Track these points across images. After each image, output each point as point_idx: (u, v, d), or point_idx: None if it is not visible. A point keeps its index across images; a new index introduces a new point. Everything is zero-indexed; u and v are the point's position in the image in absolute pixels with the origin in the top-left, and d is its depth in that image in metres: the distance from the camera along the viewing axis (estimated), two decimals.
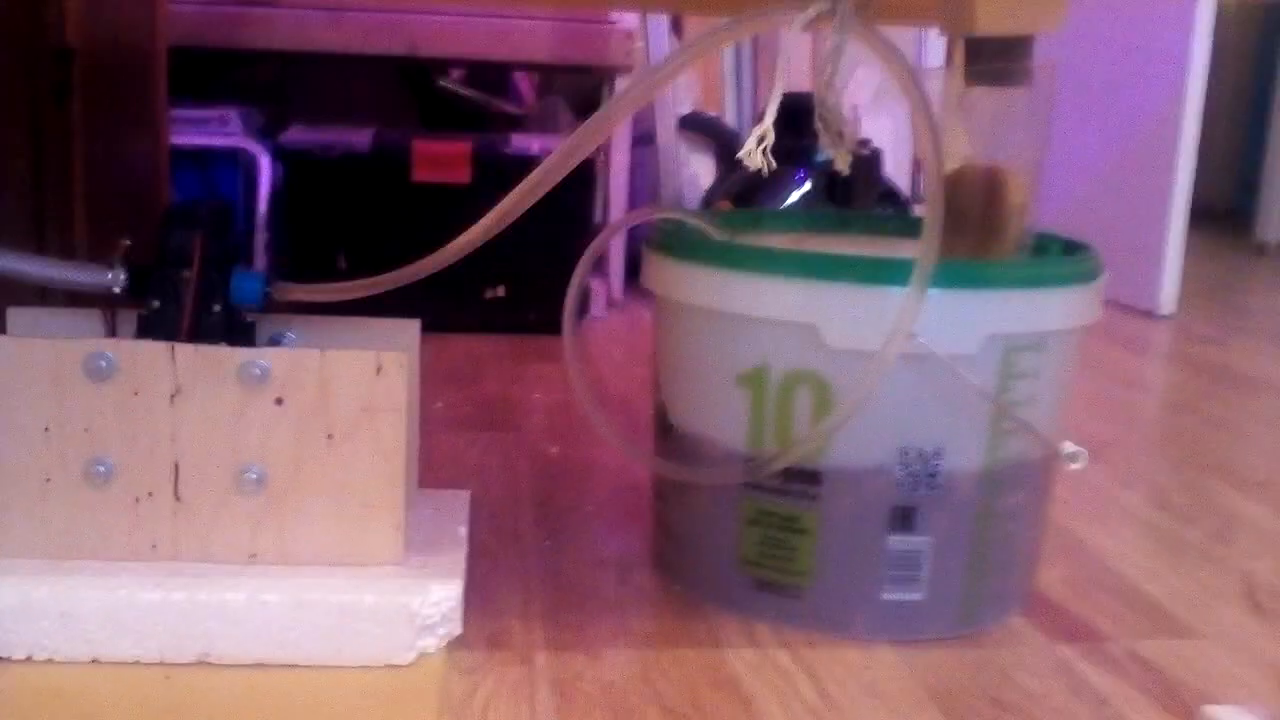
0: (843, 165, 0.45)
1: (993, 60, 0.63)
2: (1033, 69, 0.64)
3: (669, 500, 0.72)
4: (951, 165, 0.63)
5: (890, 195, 1.59)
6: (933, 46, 1.85)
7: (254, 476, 0.60)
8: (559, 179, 0.59)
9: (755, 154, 0.43)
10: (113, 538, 0.61)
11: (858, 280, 0.60)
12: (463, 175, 1.42)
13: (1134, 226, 1.82)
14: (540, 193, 0.59)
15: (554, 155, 0.55)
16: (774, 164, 0.42)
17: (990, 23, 0.61)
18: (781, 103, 0.47)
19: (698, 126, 1.86)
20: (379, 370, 0.60)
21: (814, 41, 1.50)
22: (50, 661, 0.57)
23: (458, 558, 0.64)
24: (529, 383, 1.21)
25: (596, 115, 0.55)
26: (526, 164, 1.43)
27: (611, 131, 1.04)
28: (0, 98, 1.00)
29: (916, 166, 2.00)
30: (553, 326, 1.46)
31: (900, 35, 2.11)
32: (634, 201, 1.73)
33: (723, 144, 1.84)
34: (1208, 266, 2.41)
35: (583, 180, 1.48)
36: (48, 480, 0.60)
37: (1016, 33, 0.62)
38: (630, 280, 1.69)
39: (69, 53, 1.02)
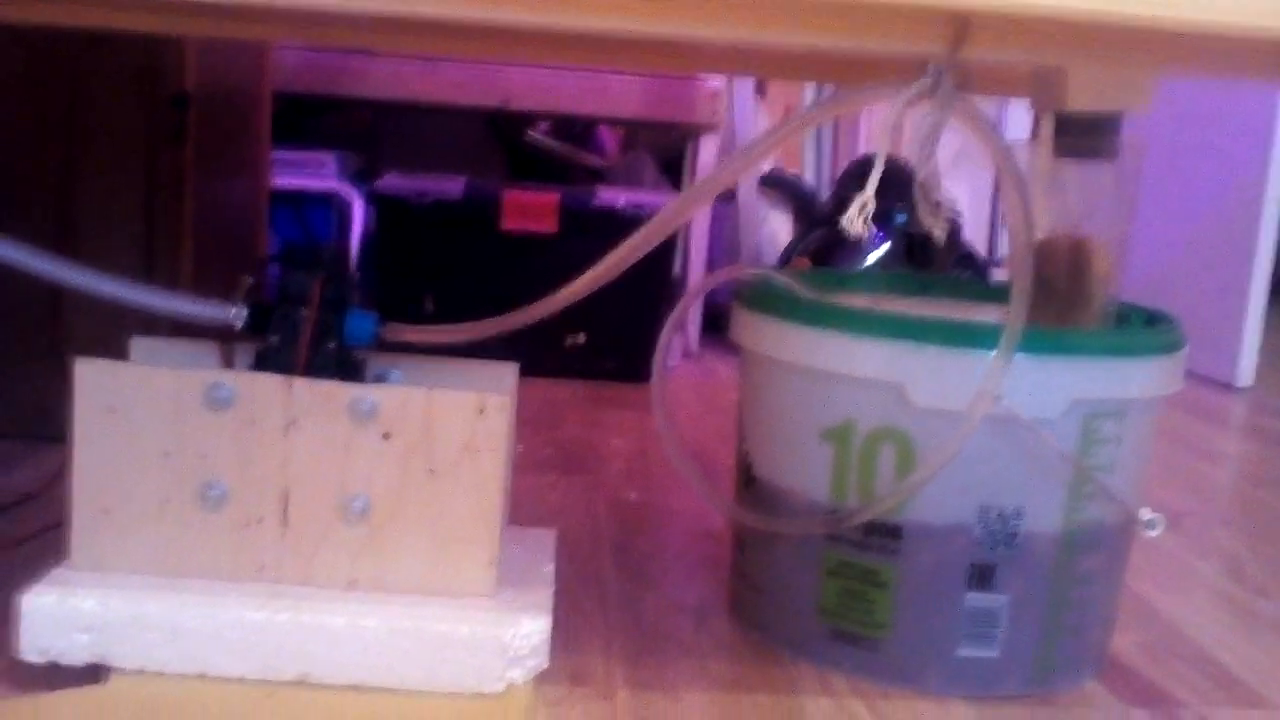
0: (940, 236, 0.47)
1: (1082, 135, 0.65)
2: (1120, 144, 0.66)
3: (749, 550, 0.74)
4: (1039, 235, 0.65)
5: (968, 258, 1.60)
6: (1014, 113, 1.86)
7: (358, 506, 0.63)
8: (658, 242, 0.62)
9: (856, 222, 0.45)
10: (222, 559, 0.64)
11: (945, 342, 0.62)
12: (550, 225, 1.46)
13: (1214, 298, 1.81)
14: (639, 255, 0.62)
15: (652, 222, 0.58)
16: (874, 230, 0.44)
17: (1081, 99, 0.63)
18: (859, 164, 0.50)
19: (777, 184, 1.89)
20: (482, 411, 0.63)
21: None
22: (160, 674, 0.60)
23: (546, 594, 0.66)
24: (607, 429, 1.24)
25: (697, 183, 0.57)
26: (612, 216, 1.47)
27: (706, 201, 1.06)
28: (120, 138, 1.05)
29: (994, 231, 2.01)
30: (630, 374, 1.51)
31: (982, 102, 2.13)
32: (713, 256, 1.76)
33: (801, 202, 1.87)
34: None
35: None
36: (165, 502, 0.64)
37: (1106, 109, 0.64)
38: (707, 332, 1.72)
39: (186, 99, 1.07)
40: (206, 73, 1.13)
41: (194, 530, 0.64)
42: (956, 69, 0.49)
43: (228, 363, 0.69)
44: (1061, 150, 0.66)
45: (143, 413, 0.63)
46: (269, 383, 0.63)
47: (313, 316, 0.64)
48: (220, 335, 0.68)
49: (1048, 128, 0.66)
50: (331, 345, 0.65)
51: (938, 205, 0.48)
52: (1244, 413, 1.63)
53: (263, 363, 0.65)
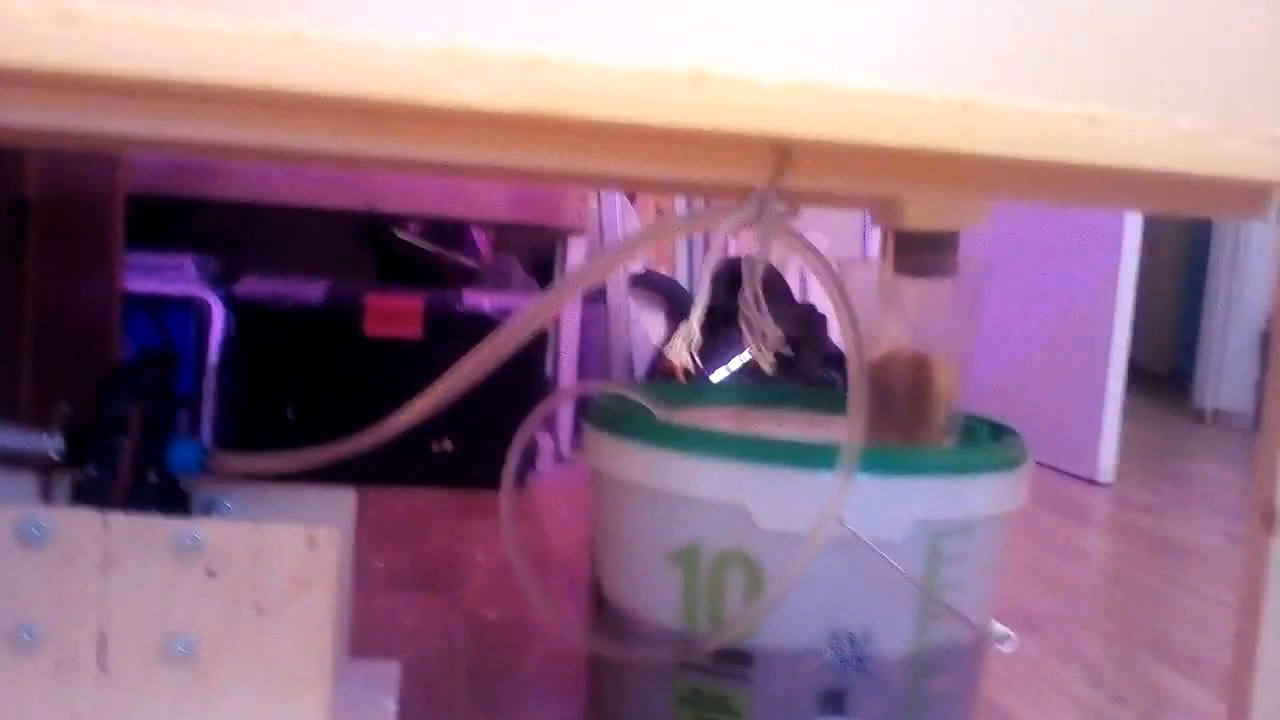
0: (765, 366, 0.47)
1: (920, 253, 0.66)
2: (959, 261, 0.67)
3: (602, 675, 0.72)
4: (879, 352, 0.65)
5: (836, 358, 1.62)
6: (874, 231, 1.91)
7: (181, 648, 0.60)
8: (515, 345, 0.60)
9: (682, 353, 0.44)
10: (34, 707, 0.60)
11: (787, 463, 0.61)
12: (415, 330, 1.44)
13: (1073, 393, 1.86)
14: (497, 358, 0.60)
15: (511, 323, 0.57)
16: (700, 364, 0.43)
17: (917, 219, 0.64)
18: (729, 265, 0.49)
19: (649, 285, 1.89)
20: (312, 544, 0.60)
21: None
22: None
23: None
24: (472, 540, 1.21)
25: (552, 288, 0.56)
26: (479, 320, 1.46)
27: (566, 303, 1.05)
28: None
29: None
30: (499, 481, 1.47)
31: (847, 219, 2.18)
32: (584, 357, 1.75)
33: (674, 303, 1.88)
34: (1147, 431, 2.45)
35: (533, 336, 1.50)
36: None
37: (943, 229, 0.65)
38: (578, 436, 1.70)
39: (25, 205, 1.03)
40: (50, 178, 1.09)
41: (3, 675, 0.59)
42: (783, 195, 0.49)
43: (46, 494, 0.65)
44: (902, 268, 0.66)
45: None
46: (84, 518, 0.59)
47: (132, 446, 0.61)
48: (39, 465, 0.65)
49: (888, 245, 0.67)
50: (153, 476, 0.62)
51: (764, 335, 0.47)
52: (1106, 508, 1.67)
53: (81, 495, 0.61)
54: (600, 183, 0.70)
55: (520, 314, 0.61)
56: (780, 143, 0.46)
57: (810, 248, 0.49)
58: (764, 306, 0.46)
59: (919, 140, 0.43)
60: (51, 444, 0.62)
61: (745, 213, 0.45)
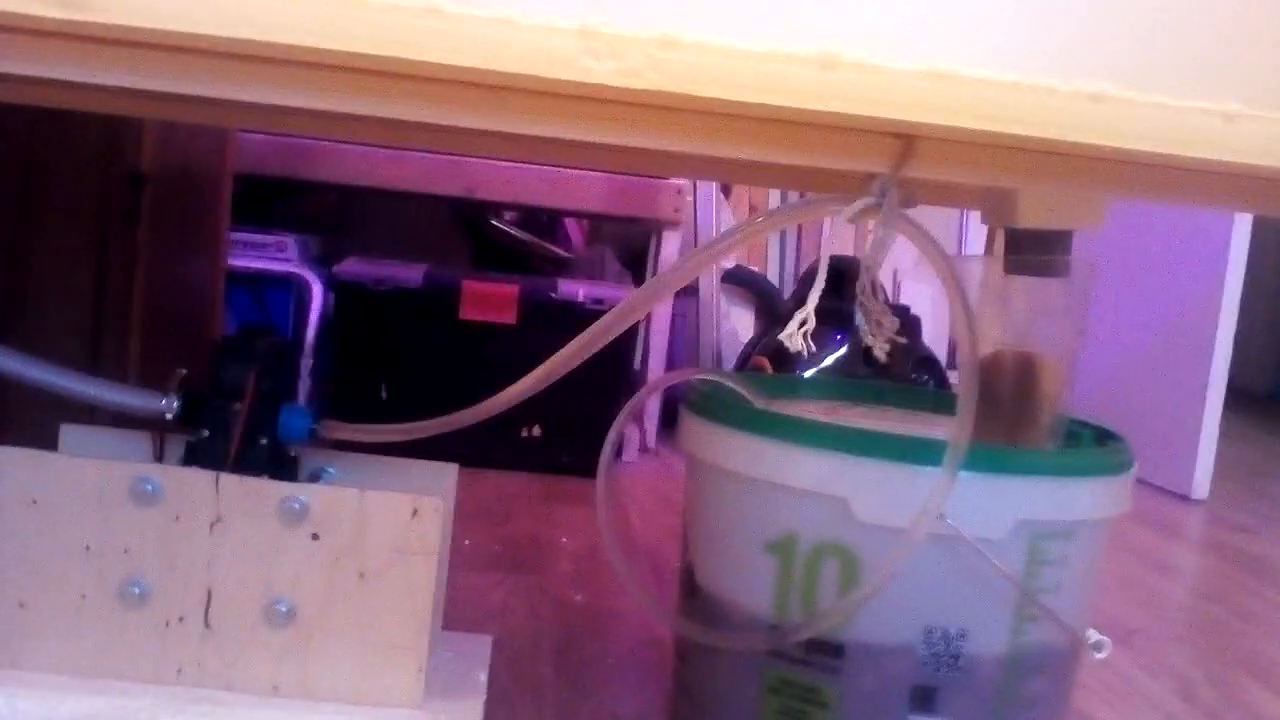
0: (880, 353, 0.47)
1: (1032, 251, 0.65)
2: (1071, 262, 0.66)
3: (690, 661, 0.72)
4: (987, 351, 0.65)
5: (927, 361, 1.60)
6: (974, 226, 1.89)
7: (284, 609, 0.61)
8: (611, 338, 0.61)
9: (796, 337, 0.44)
10: (141, 660, 0.61)
11: (890, 457, 0.61)
12: (509, 316, 1.45)
13: (1170, 409, 1.82)
14: (593, 350, 0.61)
15: (609, 315, 0.58)
16: (814, 347, 0.44)
17: (1031, 217, 0.63)
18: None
19: (740, 281, 1.89)
20: (415, 514, 0.61)
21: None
22: None
23: (476, 705, 0.64)
24: (558, 525, 1.22)
25: (657, 278, 0.57)
26: (571, 309, 1.47)
27: (665, 298, 1.06)
28: (73, 215, 1.04)
29: (954, 333, 2.02)
30: (585, 469, 1.49)
31: (943, 215, 2.15)
32: (673, 350, 1.75)
33: (763, 300, 1.87)
34: (1243, 451, 2.39)
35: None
36: (83, 597, 0.61)
37: (1056, 228, 0.64)
38: (664, 427, 1.71)
39: (141, 178, 1.06)
40: (165, 153, 1.12)
41: (113, 629, 0.61)
42: (903, 185, 0.49)
43: (159, 454, 0.67)
44: (1012, 266, 0.66)
45: (66, 505, 0.61)
46: (197, 478, 0.61)
47: (246, 411, 0.63)
48: (154, 425, 0.67)
49: (999, 243, 0.66)
50: (264, 441, 0.63)
51: (880, 323, 0.47)
52: (1199, 525, 1.63)
53: (193, 456, 0.63)
54: (716, 167, 0.70)
55: (626, 302, 0.62)
56: (904, 130, 0.46)
57: (930, 238, 0.49)
58: (881, 294, 0.46)
59: (1047, 131, 0.42)
60: (167, 404, 0.64)
61: (866, 202, 0.45)
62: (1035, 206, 0.63)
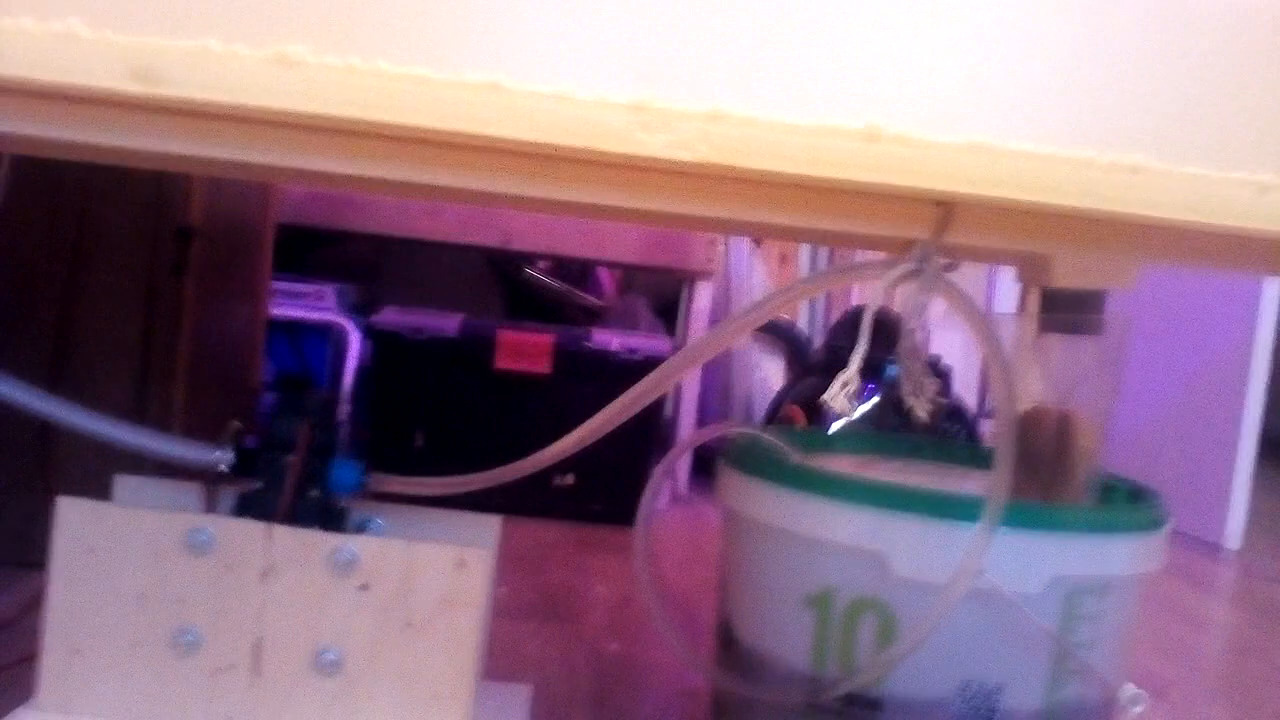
0: (922, 414, 0.48)
1: (1067, 311, 0.66)
2: (1105, 320, 0.67)
3: (727, 713, 0.73)
4: (1023, 407, 0.66)
5: (957, 412, 1.61)
6: (1004, 281, 1.90)
7: (331, 658, 0.62)
8: (654, 398, 0.62)
9: (839, 398, 0.46)
10: (190, 708, 0.63)
11: (928, 513, 0.62)
12: (544, 366, 1.47)
13: (1202, 458, 1.82)
14: (633, 411, 0.62)
15: (649, 378, 0.59)
16: (857, 407, 0.45)
17: (1065, 277, 0.64)
18: (853, 314, 0.50)
19: (771, 331, 1.91)
20: (461, 565, 0.62)
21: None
22: None
23: None
24: (592, 574, 1.22)
25: (693, 343, 0.58)
26: (605, 359, 1.48)
27: (704, 360, 1.08)
28: (123, 266, 1.07)
29: (985, 383, 2.02)
30: (617, 517, 1.50)
31: (973, 269, 2.16)
32: (705, 399, 1.77)
33: (795, 350, 1.89)
34: (1275, 501, 2.38)
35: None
36: (136, 645, 0.63)
37: (1090, 287, 0.65)
38: (697, 475, 1.72)
39: (189, 232, 1.09)
40: (212, 207, 1.15)
41: (164, 676, 0.63)
42: (942, 250, 0.50)
43: (210, 505, 0.68)
44: (1047, 325, 0.67)
45: (122, 554, 0.63)
46: (249, 529, 0.62)
47: (298, 463, 0.64)
48: (205, 476, 0.68)
49: (1034, 302, 0.67)
50: (315, 493, 0.65)
51: (921, 384, 0.48)
52: (1232, 577, 1.62)
53: (245, 507, 0.65)
54: (753, 227, 0.72)
55: (653, 373, 0.63)
56: (945, 199, 0.47)
57: (969, 301, 0.50)
58: (923, 358, 0.48)
59: (1085, 201, 0.44)
60: (221, 456, 0.66)
61: (907, 267, 0.47)
62: (1070, 268, 0.64)
